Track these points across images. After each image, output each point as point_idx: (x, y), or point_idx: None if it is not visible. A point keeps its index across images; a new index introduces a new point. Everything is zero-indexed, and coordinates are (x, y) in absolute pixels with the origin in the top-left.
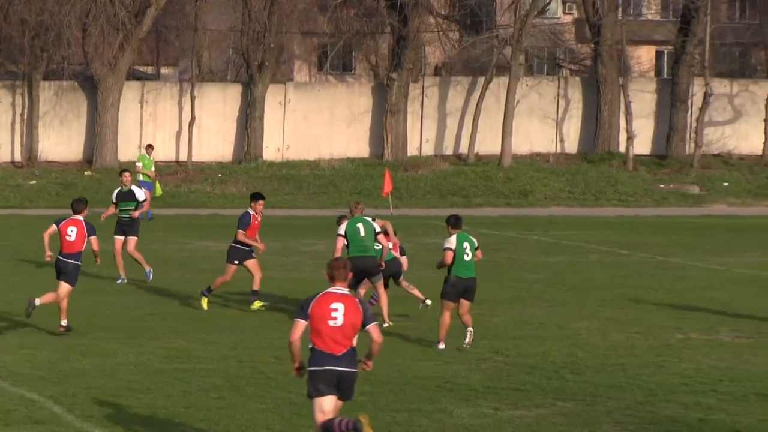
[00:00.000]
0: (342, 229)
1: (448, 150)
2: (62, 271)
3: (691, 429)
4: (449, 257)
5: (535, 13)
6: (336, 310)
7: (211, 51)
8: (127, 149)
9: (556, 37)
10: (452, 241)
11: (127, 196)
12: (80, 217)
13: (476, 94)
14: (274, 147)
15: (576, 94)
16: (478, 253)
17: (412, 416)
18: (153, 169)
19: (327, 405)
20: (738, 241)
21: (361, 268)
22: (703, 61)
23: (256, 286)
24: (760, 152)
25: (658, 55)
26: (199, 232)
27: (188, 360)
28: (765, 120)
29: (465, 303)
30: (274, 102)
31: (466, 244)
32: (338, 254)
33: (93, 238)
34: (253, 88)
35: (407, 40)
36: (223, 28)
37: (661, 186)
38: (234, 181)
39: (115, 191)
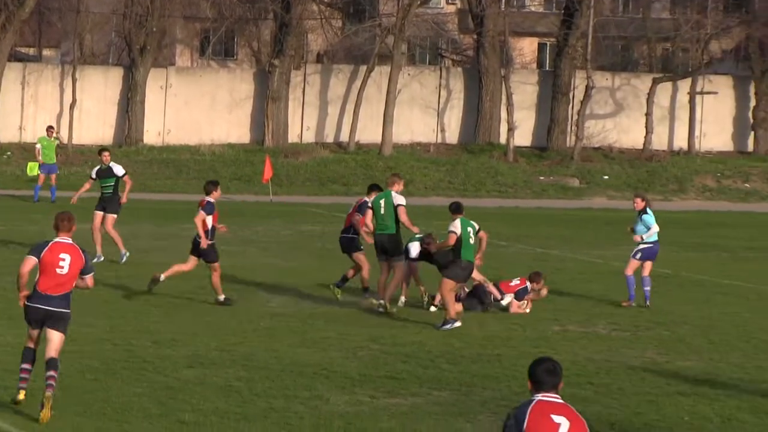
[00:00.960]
0: (370, 201)
1: (329, 138)
2: (197, 250)
3: None
4: (452, 239)
5: (418, 2)
6: (63, 259)
7: (93, 34)
8: (7, 130)
9: (439, 27)
10: (457, 226)
11: (106, 173)
12: (209, 199)
13: (358, 83)
14: (154, 131)
15: (458, 85)
16: (483, 234)
17: (289, 402)
18: (56, 146)
19: (33, 334)
20: (617, 234)
21: (380, 245)
22: (586, 54)
23: (350, 274)
24: (640, 146)
25: (541, 47)
26: (76, 214)
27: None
28: (646, 114)
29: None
30: (155, 86)
31: (469, 229)
32: (367, 225)
33: (199, 215)
34: (134, 72)
35: (290, 26)
36: (106, 10)
37: (541, 178)
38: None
39: (95, 168)
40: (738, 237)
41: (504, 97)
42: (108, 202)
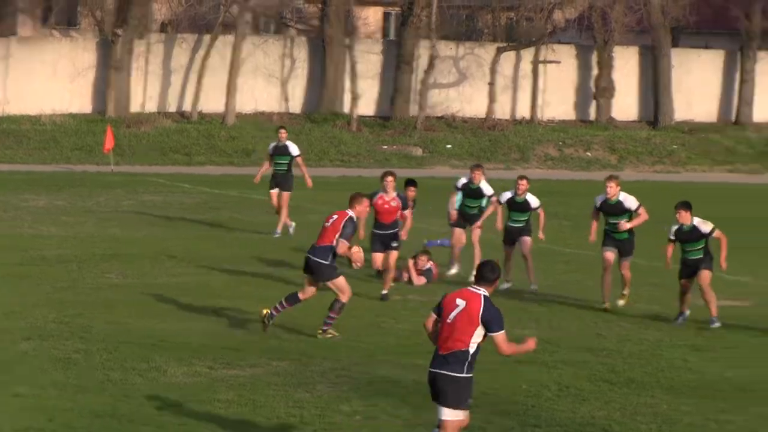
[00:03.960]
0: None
1: (172, 107)
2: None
3: (406, 389)
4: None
5: None
6: (332, 217)
7: None
8: None
9: None
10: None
11: (282, 150)
12: None
13: (202, 52)
14: None
15: (302, 54)
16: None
17: (126, 374)
18: None
19: (305, 281)
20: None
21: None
22: (430, 24)
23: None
24: (483, 115)
25: (386, 16)
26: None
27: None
28: (489, 83)
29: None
30: None
31: None
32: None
33: None
34: None
35: None
36: None
37: (384, 147)
38: None
39: (271, 145)
40: (579, 205)
41: (348, 67)
42: (282, 179)
